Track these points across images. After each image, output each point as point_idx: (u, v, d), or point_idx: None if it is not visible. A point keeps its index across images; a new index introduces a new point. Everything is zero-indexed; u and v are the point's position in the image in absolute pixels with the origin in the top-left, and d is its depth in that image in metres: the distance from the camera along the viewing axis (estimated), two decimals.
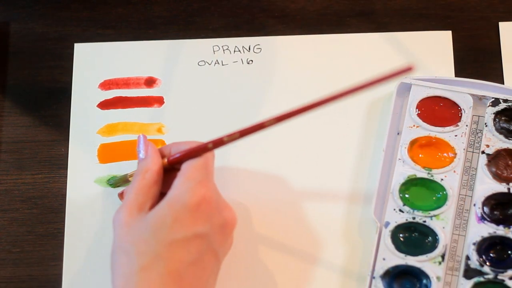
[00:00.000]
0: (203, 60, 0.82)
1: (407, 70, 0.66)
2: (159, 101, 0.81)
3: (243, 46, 0.82)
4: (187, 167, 0.68)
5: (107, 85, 0.81)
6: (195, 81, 0.81)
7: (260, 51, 0.82)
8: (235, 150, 0.77)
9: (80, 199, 0.77)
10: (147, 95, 0.81)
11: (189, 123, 0.80)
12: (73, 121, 0.80)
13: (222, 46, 0.82)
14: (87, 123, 0.80)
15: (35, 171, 0.79)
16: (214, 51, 0.82)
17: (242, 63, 0.82)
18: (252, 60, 0.82)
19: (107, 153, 0.79)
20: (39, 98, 0.81)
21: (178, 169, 0.69)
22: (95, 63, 0.82)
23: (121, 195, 0.75)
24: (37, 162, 0.79)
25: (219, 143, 0.69)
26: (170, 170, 0.70)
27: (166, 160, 0.70)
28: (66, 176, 0.78)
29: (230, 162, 0.78)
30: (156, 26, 0.83)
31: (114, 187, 0.77)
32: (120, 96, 0.81)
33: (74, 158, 0.79)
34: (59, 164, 0.79)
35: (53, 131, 0.80)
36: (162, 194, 0.69)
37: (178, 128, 0.80)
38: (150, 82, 0.81)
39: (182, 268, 0.66)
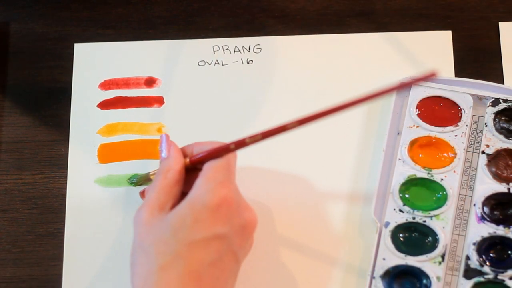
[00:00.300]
0: (203, 60, 0.82)
1: (430, 75, 0.65)
2: (159, 101, 0.80)
3: (243, 46, 0.82)
4: (208, 168, 0.68)
5: (107, 85, 0.81)
6: (195, 81, 0.81)
7: (260, 51, 0.82)
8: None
9: (80, 199, 0.77)
10: (147, 95, 0.81)
11: (189, 123, 0.80)
12: (73, 121, 0.80)
13: (222, 46, 0.82)
14: (87, 123, 0.80)
15: (35, 171, 0.79)
16: (214, 51, 0.82)
17: (242, 63, 0.81)
18: (252, 60, 0.82)
19: (107, 153, 0.79)
20: (39, 98, 0.81)
21: (200, 169, 0.69)
22: (95, 63, 0.82)
23: (142, 194, 0.74)
24: (37, 162, 0.79)
25: (241, 144, 0.68)
26: (192, 170, 0.70)
27: (188, 159, 0.70)
28: (66, 176, 0.78)
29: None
30: (156, 26, 0.83)
31: (136, 186, 0.77)
32: (120, 96, 0.81)
33: (74, 158, 0.79)
34: (59, 164, 0.79)
35: (53, 131, 0.80)
36: (183, 194, 0.68)
37: (178, 128, 0.80)
38: (150, 82, 0.81)
39: (202, 269, 0.65)
